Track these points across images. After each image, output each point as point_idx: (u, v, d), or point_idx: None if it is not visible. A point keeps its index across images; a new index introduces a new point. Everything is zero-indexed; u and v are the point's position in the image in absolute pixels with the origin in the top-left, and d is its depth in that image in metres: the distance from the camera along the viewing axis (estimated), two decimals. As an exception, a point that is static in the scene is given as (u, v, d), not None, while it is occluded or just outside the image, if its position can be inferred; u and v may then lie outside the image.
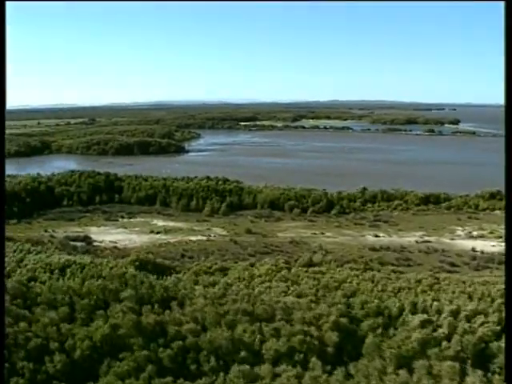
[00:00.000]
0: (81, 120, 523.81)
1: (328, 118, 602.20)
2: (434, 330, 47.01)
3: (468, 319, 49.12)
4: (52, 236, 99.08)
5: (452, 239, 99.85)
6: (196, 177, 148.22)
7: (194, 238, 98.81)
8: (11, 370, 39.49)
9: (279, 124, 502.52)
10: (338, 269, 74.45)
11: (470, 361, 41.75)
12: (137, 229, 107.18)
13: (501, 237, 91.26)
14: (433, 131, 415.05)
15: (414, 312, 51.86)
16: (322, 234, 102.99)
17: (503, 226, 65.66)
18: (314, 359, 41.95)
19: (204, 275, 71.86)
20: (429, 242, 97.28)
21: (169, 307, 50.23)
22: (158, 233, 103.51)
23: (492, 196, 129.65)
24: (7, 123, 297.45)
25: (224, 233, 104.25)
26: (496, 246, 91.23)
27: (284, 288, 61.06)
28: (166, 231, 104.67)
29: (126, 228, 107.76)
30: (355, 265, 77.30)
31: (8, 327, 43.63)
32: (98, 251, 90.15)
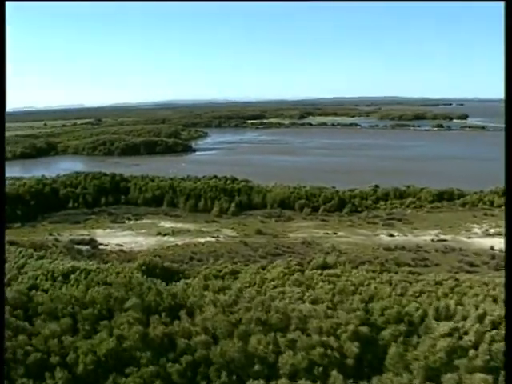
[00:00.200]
0: (87, 120, 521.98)
1: (335, 114, 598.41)
2: (460, 338, 43.97)
3: (495, 325, 45.90)
4: (56, 240, 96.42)
5: (469, 237, 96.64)
6: (204, 176, 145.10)
7: (202, 240, 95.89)
8: (10, 388, 36.88)
9: (286, 121, 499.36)
10: (353, 271, 71.39)
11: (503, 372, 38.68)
12: (143, 231, 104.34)
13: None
14: (441, 126, 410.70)
15: (437, 318, 48.80)
16: (335, 233, 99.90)
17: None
18: (334, 373, 38.97)
19: (214, 279, 69.03)
20: (445, 240, 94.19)
21: (177, 317, 47.28)
22: (165, 235, 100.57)
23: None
24: (13, 125, 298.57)
25: (233, 234, 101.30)
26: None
27: (298, 293, 58.07)
28: (174, 233, 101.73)
29: (132, 230, 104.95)
30: (371, 266, 74.14)
31: (7, 341, 40.75)
32: (103, 255, 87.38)
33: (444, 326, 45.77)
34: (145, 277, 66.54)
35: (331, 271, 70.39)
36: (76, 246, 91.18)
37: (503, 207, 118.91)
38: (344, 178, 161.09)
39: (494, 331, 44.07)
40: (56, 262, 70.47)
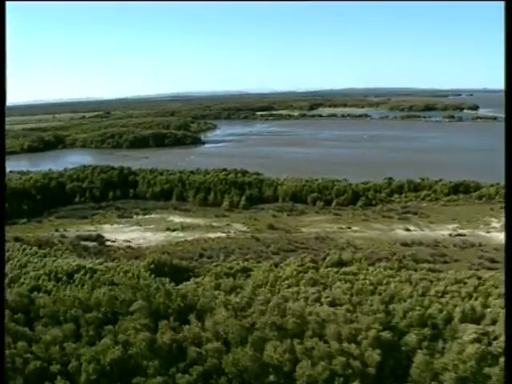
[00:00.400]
0: (96, 113, 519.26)
1: (345, 105, 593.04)
2: (489, 344, 40.92)
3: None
4: (63, 236, 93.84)
5: (488, 232, 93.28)
6: (213, 169, 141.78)
7: (212, 236, 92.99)
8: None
9: (296, 113, 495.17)
10: (370, 268, 68.34)
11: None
12: (152, 226, 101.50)
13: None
14: (453, 117, 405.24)
15: (462, 321, 45.72)
16: (349, 228, 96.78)
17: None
18: (356, 384, 36.16)
19: (225, 278, 66.22)
20: (463, 235, 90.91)
21: (187, 321, 44.42)
22: (174, 230, 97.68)
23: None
24: (22, 118, 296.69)
25: (244, 229, 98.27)
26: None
27: (315, 293, 55.16)
28: (183, 228, 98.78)
29: (140, 225, 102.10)
30: (388, 263, 71.10)
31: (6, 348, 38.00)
32: (110, 252, 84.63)
33: (471, 331, 42.77)
34: (153, 276, 64.23)
35: (347, 269, 67.36)
36: (82, 243, 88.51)
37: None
38: (356, 170, 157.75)
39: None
40: (61, 260, 67.99)
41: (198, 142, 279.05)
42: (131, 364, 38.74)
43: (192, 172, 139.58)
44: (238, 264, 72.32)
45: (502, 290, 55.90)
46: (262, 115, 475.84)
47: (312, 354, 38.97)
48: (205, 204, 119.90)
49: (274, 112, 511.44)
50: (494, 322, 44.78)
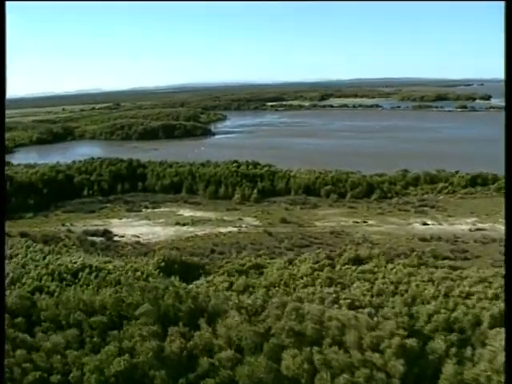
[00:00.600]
0: (105, 105, 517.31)
1: (355, 96, 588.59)
2: (524, 351, 37.78)
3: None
4: (69, 230, 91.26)
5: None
6: (224, 161, 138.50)
7: (224, 230, 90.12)
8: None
9: (306, 103, 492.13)
10: (388, 265, 65.28)
11: None
12: (161, 220, 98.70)
13: None
14: (465, 107, 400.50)
15: (492, 325, 42.60)
16: (365, 222, 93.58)
17: None
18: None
19: (237, 275, 63.42)
20: (483, 229, 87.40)
21: (198, 326, 41.57)
22: (184, 224, 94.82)
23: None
24: (31, 110, 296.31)
25: (257, 223, 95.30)
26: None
27: (332, 294, 52.20)
28: (193, 222, 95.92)
29: (149, 220, 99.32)
30: (407, 260, 67.90)
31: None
32: (118, 247, 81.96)
33: (502, 336, 39.67)
34: (162, 275, 61.56)
35: (365, 267, 64.30)
36: (89, 238, 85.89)
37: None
38: (369, 161, 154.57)
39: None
40: (66, 257, 65.31)
41: (207, 133, 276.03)
42: (137, 374, 35.97)
43: (202, 164, 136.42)
44: (251, 261, 69.43)
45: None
46: (272, 106, 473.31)
47: (332, 364, 36.01)
48: (215, 197, 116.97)
49: (285, 103, 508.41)
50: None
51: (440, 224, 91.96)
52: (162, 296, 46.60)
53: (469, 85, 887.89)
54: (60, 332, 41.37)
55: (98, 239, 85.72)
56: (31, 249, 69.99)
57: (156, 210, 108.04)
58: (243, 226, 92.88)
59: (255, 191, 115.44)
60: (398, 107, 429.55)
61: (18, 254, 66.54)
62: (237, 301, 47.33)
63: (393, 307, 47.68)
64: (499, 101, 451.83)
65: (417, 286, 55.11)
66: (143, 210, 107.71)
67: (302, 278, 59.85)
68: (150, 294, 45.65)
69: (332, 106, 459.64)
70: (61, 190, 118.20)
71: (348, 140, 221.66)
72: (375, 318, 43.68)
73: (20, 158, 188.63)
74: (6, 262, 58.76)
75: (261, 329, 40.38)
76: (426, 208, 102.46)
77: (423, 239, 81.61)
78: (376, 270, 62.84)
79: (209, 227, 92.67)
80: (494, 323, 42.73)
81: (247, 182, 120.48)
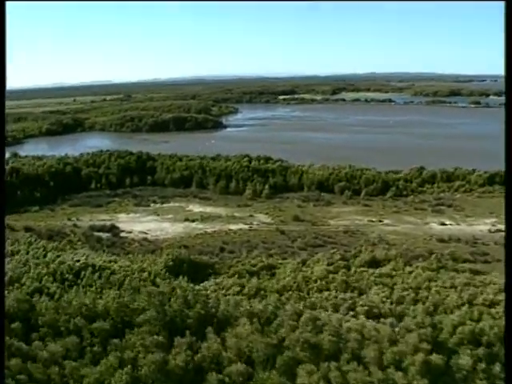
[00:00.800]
0: (116, 96, 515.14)
1: (368, 90, 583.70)
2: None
3: None
4: (75, 225, 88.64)
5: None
6: (235, 155, 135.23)
7: (234, 227, 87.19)
8: None
9: (319, 97, 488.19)
10: (406, 268, 62.32)
11: None
12: (170, 216, 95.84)
13: None
14: (479, 103, 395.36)
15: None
16: (380, 221, 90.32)
17: None
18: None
19: (248, 276, 60.58)
20: (503, 231, 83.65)
21: (205, 336, 38.70)
22: (193, 221, 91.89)
23: None
24: (43, 101, 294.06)
25: (268, 220, 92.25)
26: None
27: (348, 300, 49.31)
28: (203, 219, 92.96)
29: (158, 215, 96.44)
30: (425, 262, 64.78)
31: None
32: (125, 244, 79.19)
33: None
34: (169, 275, 58.81)
35: (382, 270, 61.28)
36: (96, 234, 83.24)
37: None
38: (383, 157, 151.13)
39: None
40: (68, 255, 62.62)
41: (219, 125, 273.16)
42: (140, 389, 33.18)
43: (213, 158, 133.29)
44: (262, 261, 66.59)
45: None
46: (284, 99, 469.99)
47: (351, 383, 33.08)
48: (226, 192, 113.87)
49: (296, 96, 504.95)
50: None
51: (458, 224, 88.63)
52: (168, 300, 43.89)
53: (482, 80, 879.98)
54: (59, 339, 38.70)
55: (104, 235, 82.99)
56: (33, 245, 67.47)
57: (165, 205, 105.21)
58: (254, 223, 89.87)
59: (267, 187, 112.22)
60: (411, 102, 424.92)
61: (19, 251, 64.02)
62: (248, 307, 44.51)
63: (414, 316, 44.70)
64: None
65: (438, 292, 52.15)
66: (152, 204, 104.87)
67: (316, 281, 56.96)
68: (156, 299, 42.81)
69: (344, 100, 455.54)
70: (68, 183, 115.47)
71: (361, 135, 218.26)
72: (396, 329, 40.80)
73: (29, 150, 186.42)
74: (7, 259, 56.25)
75: (273, 340, 37.53)
76: (442, 207, 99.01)
77: (441, 240, 78.34)
78: (394, 273, 59.87)
79: (219, 224, 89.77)
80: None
81: (259, 177, 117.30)
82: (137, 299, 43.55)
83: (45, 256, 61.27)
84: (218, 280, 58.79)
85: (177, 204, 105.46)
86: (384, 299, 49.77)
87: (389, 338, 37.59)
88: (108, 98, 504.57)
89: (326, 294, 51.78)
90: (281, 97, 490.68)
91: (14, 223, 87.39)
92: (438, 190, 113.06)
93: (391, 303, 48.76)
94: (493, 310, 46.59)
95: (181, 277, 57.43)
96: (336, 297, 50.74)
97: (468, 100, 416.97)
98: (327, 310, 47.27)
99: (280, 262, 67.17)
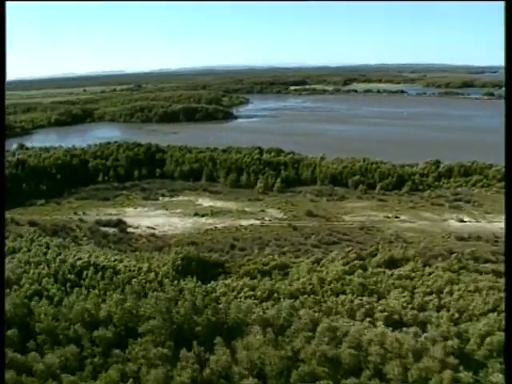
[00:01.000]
0: (126, 86, 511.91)
1: (379, 81, 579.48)
2: None
3: None
4: (81, 220, 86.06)
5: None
6: (246, 147, 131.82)
7: (245, 223, 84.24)
8: None
9: (330, 88, 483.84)
10: (426, 269, 59.19)
11: None
12: (179, 210, 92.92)
13: None
14: (492, 95, 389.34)
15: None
16: (396, 217, 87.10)
17: None
18: None
19: (260, 276, 57.73)
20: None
21: (214, 346, 35.84)
22: (203, 215, 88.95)
23: None
24: (54, 91, 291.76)
25: (280, 215, 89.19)
26: None
27: (367, 305, 46.25)
28: (213, 213, 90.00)
29: (166, 209, 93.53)
30: (445, 263, 61.65)
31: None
32: (132, 240, 76.45)
33: None
34: (176, 275, 56.10)
35: (401, 271, 58.20)
36: (102, 229, 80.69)
37: None
38: (398, 149, 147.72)
39: None
40: (71, 253, 59.96)
41: (229, 116, 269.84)
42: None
43: (223, 150, 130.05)
44: (274, 259, 63.78)
45: None
46: (295, 90, 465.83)
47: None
48: (237, 185, 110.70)
49: (308, 86, 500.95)
50: None
51: (477, 221, 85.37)
52: (175, 303, 41.17)
53: (494, 72, 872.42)
54: (57, 348, 36.00)
55: (110, 230, 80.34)
56: (36, 243, 64.80)
57: (174, 198, 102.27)
58: (266, 218, 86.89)
59: (279, 180, 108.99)
60: (424, 93, 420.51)
61: (21, 249, 61.35)
62: (261, 313, 41.68)
63: (438, 325, 41.72)
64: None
65: (461, 297, 49.01)
66: (160, 198, 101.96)
67: (331, 282, 53.93)
68: (163, 305, 39.95)
69: (356, 91, 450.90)
70: (75, 176, 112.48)
71: (374, 127, 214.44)
72: (419, 338, 37.83)
73: (38, 140, 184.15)
74: (7, 258, 53.72)
75: (288, 351, 34.64)
76: (460, 203, 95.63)
77: (461, 238, 75.10)
78: (413, 274, 56.79)
79: (229, 219, 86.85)
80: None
81: (270, 170, 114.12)
82: (142, 305, 40.74)
83: (46, 254, 58.50)
84: (228, 281, 55.77)
85: (186, 198, 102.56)
86: (405, 304, 46.67)
87: (413, 350, 34.59)
88: (118, 88, 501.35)
89: (342, 297, 48.70)
90: (292, 87, 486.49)
91: (18, 217, 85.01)
92: (455, 184, 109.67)
93: (412, 308, 45.70)
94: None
95: (189, 277, 54.76)
96: (352, 301, 47.64)
97: (481, 91, 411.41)
98: (344, 316, 44.37)
99: (293, 260, 64.42)
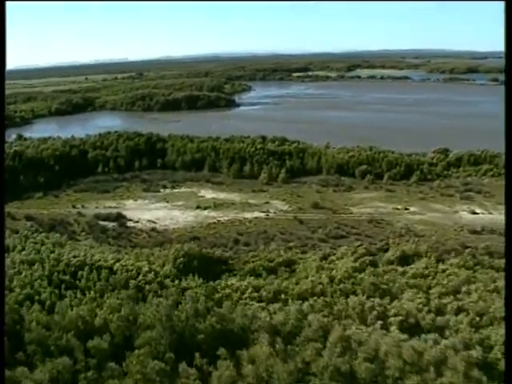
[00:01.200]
0: (128, 74, 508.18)
1: (383, 67, 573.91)
2: None
3: None
4: (80, 214, 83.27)
5: None
6: (249, 136, 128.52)
7: (249, 216, 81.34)
8: None
9: (333, 74, 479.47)
10: (439, 266, 56.26)
11: None
12: (180, 203, 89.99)
13: None
14: (497, 80, 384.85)
15: None
16: (406, 209, 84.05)
17: None
18: None
19: (265, 274, 55.02)
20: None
21: (217, 358, 33.02)
22: (205, 208, 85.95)
23: None
24: (55, 80, 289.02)
25: (286, 207, 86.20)
26: None
27: (379, 308, 43.32)
28: (216, 206, 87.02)
29: (167, 202, 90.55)
30: (459, 258, 58.71)
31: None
32: (131, 235, 73.66)
33: None
34: (176, 272, 53.39)
35: (413, 268, 55.23)
36: (101, 223, 77.87)
37: None
38: (404, 137, 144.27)
39: None
40: (65, 250, 57.16)
41: (232, 104, 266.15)
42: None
43: (226, 140, 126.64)
44: (280, 255, 61.01)
45: None
46: (298, 76, 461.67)
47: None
48: (240, 176, 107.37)
49: (311, 73, 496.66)
50: None
51: (490, 213, 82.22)
52: (176, 307, 38.41)
53: (499, 57, 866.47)
54: (48, 361, 33.20)
55: (109, 224, 77.52)
56: (31, 240, 61.93)
57: (175, 190, 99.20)
58: (271, 210, 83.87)
59: (283, 170, 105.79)
60: (428, 79, 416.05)
61: (15, 247, 58.52)
62: (267, 318, 38.84)
63: (457, 330, 38.87)
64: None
65: (480, 298, 46.00)
66: (161, 189, 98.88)
67: (340, 282, 51.00)
68: (163, 312, 37.11)
69: (359, 77, 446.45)
70: (74, 167, 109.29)
71: (379, 114, 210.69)
72: (438, 346, 34.94)
73: (37, 130, 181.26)
74: None
75: (298, 363, 31.80)
76: (471, 193, 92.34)
77: (473, 231, 72.09)
78: (427, 272, 53.80)
79: (233, 212, 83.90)
80: None
81: (275, 160, 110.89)
82: (140, 311, 37.92)
83: (40, 252, 55.66)
84: (231, 282, 52.75)
85: (188, 189, 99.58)
86: (420, 306, 43.70)
87: (434, 362, 31.69)
88: (120, 76, 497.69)
89: (354, 299, 45.63)
90: (295, 74, 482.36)
91: (15, 211, 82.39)
92: (465, 174, 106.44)
93: (428, 311, 42.76)
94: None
95: (191, 276, 52.03)
96: (363, 304, 44.57)
97: (486, 77, 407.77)
98: (355, 319, 41.53)
99: (300, 256, 61.69)
